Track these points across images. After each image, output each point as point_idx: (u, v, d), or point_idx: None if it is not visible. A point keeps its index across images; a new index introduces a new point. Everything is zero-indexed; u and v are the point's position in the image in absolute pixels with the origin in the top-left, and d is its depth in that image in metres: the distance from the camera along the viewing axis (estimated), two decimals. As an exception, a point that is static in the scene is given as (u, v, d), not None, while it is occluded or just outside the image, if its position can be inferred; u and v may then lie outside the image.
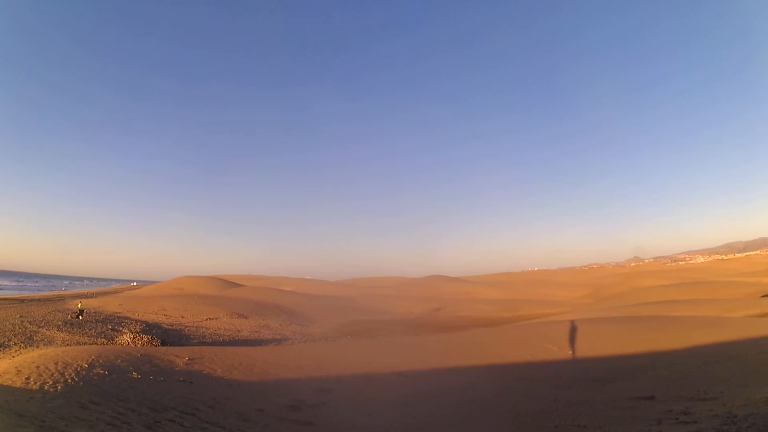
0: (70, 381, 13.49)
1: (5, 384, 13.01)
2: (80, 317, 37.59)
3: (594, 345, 21.87)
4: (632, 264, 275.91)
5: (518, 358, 20.77)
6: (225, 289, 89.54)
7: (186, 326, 39.59)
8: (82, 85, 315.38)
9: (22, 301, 53.99)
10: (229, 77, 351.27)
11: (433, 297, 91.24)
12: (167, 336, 31.93)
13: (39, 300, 55.82)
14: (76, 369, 14.97)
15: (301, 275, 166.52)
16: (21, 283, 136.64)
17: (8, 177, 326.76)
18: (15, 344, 24.72)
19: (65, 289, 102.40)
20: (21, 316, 35.82)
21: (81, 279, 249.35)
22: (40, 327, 31.29)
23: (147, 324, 37.55)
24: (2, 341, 25.10)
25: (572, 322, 26.42)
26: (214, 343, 31.16)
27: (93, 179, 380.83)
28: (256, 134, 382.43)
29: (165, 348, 24.83)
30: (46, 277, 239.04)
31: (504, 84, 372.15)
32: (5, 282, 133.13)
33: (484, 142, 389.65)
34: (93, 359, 16.68)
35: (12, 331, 28.64)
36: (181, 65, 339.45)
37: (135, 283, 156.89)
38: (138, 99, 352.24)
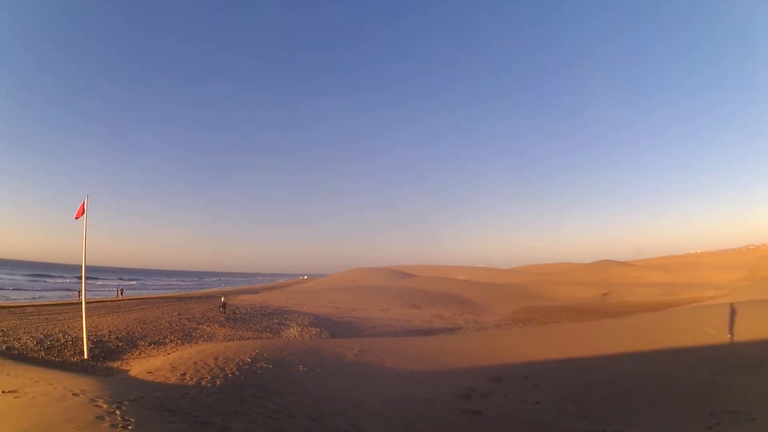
0: (230, 376, 14.02)
1: (158, 381, 13.67)
2: (223, 310, 39.21)
3: (751, 329, 20.99)
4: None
5: (678, 342, 20.52)
6: (398, 280, 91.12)
7: (357, 318, 40.26)
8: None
9: (180, 298, 57.62)
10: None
11: (601, 282, 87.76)
12: (337, 328, 32.61)
13: (199, 297, 58.51)
14: (237, 364, 15.54)
15: (473, 263, 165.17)
16: (191, 282, 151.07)
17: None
18: (171, 341, 25.42)
19: (224, 286, 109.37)
20: (179, 314, 37.45)
21: (254, 275, 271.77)
22: (200, 323, 32.31)
23: (315, 317, 38.58)
24: (158, 339, 25.79)
25: (731, 305, 25.75)
26: (385, 334, 31.45)
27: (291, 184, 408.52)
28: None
29: (334, 340, 25.37)
30: (215, 274, 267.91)
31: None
32: (175, 281, 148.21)
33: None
34: (257, 353, 17.17)
35: (169, 328, 29.46)
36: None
37: (305, 277, 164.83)
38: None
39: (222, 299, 43.37)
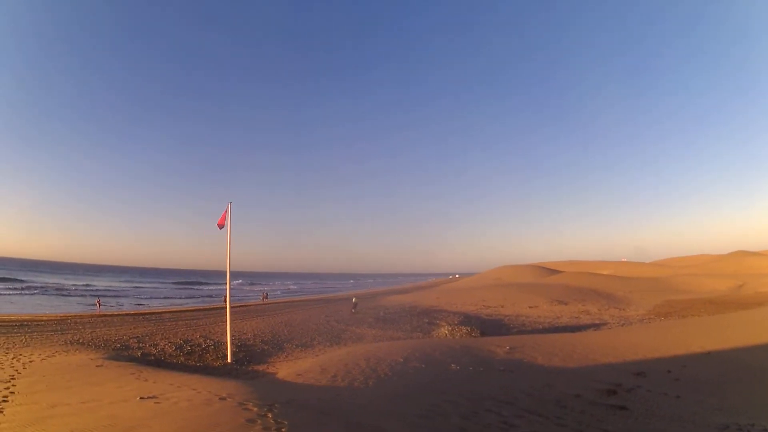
0: (382, 376, 14.18)
1: (308, 383, 13.84)
2: (354, 311, 40.78)
3: None
4: None
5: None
6: (544, 277, 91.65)
7: (506, 316, 40.22)
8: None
9: (327, 300, 59.78)
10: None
11: (737, 273, 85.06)
12: (486, 327, 31.99)
13: (347, 299, 59.23)
14: (389, 364, 15.76)
15: (616, 257, 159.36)
16: (342, 284, 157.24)
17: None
18: (318, 343, 25.65)
19: (370, 288, 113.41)
20: (326, 316, 38.28)
21: (406, 276, 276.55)
22: (348, 325, 32.84)
23: (465, 315, 38.90)
24: (305, 341, 26.13)
25: None
26: (533, 331, 31.37)
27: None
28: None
29: (485, 338, 25.10)
30: (369, 276, 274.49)
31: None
32: (330, 284, 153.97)
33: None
34: (408, 353, 17.44)
35: (316, 330, 29.98)
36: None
37: (457, 275, 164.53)
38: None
39: (353, 300, 45.19)
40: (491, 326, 32.90)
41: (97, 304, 48.25)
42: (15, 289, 72.13)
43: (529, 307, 46.23)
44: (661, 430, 10.55)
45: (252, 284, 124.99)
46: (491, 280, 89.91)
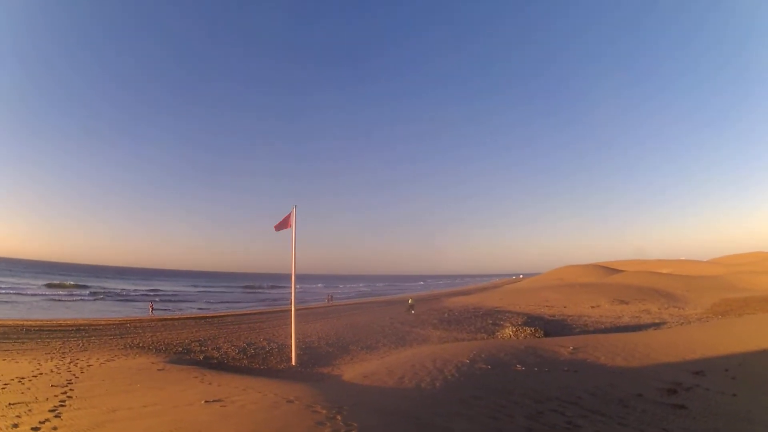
0: (449, 377, 14.16)
1: (376, 384, 13.86)
2: (412, 311, 41.59)
3: None
4: None
5: None
6: (605, 276, 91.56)
7: (568, 316, 40.21)
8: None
9: (390, 302, 60.22)
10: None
11: None
12: (549, 327, 32.07)
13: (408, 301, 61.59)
14: (456, 365, 15.75)
15: (675, 256, 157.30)
16: (414, 284, 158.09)
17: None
18: (384, 345, 25.41)
19: (433, 289, 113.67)
20: (391, 318, 38.19)
21: (472, 276, 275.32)
22: (413, 327, 32.76)
23: (529, 316, 39.05)
24: (370, 343, 25.99)
25: None
26: (596, 331, 31.33)
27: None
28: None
29: (549, 339, 25.13)
30: (437, 277, 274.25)
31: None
32: (402, 283, 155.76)
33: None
34: (474, 354, 17.47)
35: (381, 332, 29.78)
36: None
37: (521, 276, 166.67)
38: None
39: (409, 301, 45.76)
40: (554, 326, 32.97)
41: (150, 309, 48.93)
42: (75, 294, 73.05)
43: (591, 307, 46.60)
44: (718, 429, 10.67)
45: (326, 287, 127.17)
46: (554, 281, 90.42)
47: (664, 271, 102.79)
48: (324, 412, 8.13)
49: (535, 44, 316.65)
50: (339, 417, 7.77)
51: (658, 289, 61.15)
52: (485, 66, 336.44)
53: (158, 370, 15.95)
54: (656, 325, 33.24)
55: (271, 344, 24.59)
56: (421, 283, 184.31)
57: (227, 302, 72.47)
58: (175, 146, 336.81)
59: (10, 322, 31.94)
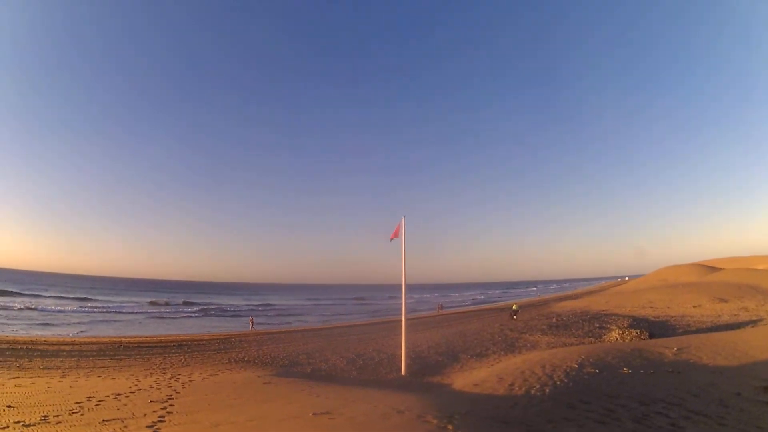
0: (558, 383, 14.26)
1: (486, 392, 14.03)
2: (515, 317, 43.16)
3: None
4: None
5: None
6: (705, 275, 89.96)
7: (671, 316, 40.01)
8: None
9: (501, 309, 60.34)
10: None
11: None
12: (654, 328, 31.58)
13: (520, 306, 61.01)
14: (565, 370, 15.91)
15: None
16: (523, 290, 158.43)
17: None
18: (493, 353, 25.41)
19: (539, 295, 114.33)
20: (500, 324, 38.65)
21: (578, 281, 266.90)
22: (521, 333, 32.92)
23: (634, 318, 38.76)
24: (479, 351, 25.98)
25: None
26: (698, 331, 31.27)
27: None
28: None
29: (653, 340, 24.95)
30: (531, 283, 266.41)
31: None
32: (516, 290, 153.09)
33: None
34: (582, 359, 17.57)
35: (491, 339, 29.98)
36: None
37: (626, 278, 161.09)
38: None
39: (513, 307, 47.52)
40: (658, 327, 32.72)
41: (251, 323, 50.13)
42: (182, 311, 76.53)
43: (693, 307, 46.34)
44: None
45: (439, 296, 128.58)
46: (657, 281, 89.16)
47: (761, 267, 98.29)
48: (435, 422, 8.20)
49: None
50: (450, 426, 7.84)
51: (756, 285, 60.70)
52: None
53: (264, 383, 15.96)
54: (753, 323, 33.46)
55: (381, 354, 25.16)
56: (534, 288, 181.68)
57: (339, 314, 72.70)
58: (291, 161, 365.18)
59: (106, 339, 33.50)
